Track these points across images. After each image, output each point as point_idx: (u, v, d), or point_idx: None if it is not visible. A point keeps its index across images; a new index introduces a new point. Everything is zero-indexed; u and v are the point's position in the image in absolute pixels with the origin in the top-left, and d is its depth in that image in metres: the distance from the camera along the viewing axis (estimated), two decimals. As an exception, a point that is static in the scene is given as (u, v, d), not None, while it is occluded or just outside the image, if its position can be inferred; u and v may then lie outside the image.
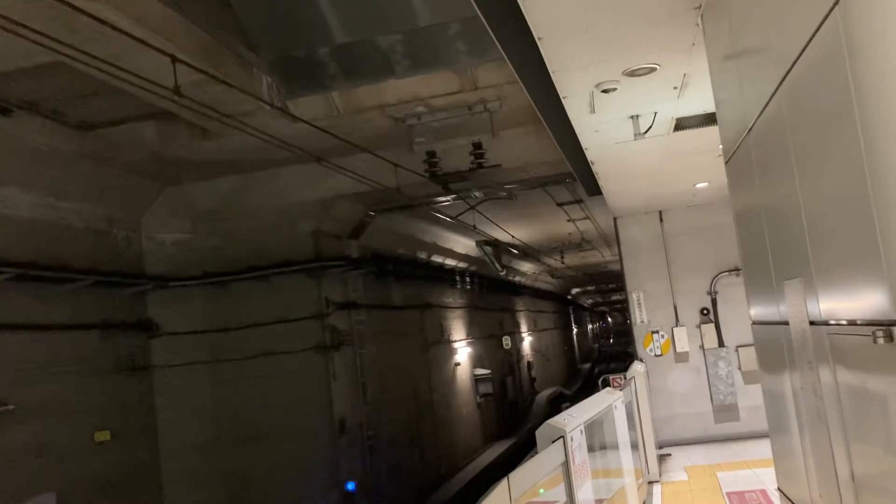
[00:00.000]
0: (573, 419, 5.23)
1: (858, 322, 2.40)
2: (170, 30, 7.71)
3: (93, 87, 8.79)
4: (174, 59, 7.03)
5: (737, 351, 11.42)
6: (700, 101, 6.26)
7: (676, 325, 11.74)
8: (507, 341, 28.26)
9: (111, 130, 10.61)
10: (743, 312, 7.15)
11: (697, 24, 4.61)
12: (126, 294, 12.67)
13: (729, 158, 4.35)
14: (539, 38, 4.58)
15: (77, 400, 11.18)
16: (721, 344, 11.55)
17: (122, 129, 10.61)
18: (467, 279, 23.88)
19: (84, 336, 11.54)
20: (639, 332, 11.93)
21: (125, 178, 12.04)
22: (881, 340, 2.12)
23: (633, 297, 12.07)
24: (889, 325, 2.10)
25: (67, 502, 10.58)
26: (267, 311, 13.65)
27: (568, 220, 19.74)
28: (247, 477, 13.35)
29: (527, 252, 25.13)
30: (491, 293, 26.86)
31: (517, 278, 31.50)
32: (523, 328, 33.18)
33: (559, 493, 4.71)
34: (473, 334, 24.08)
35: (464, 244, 22.07)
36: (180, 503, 12.91)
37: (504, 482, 3.50)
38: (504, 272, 25.96)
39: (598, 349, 72.43)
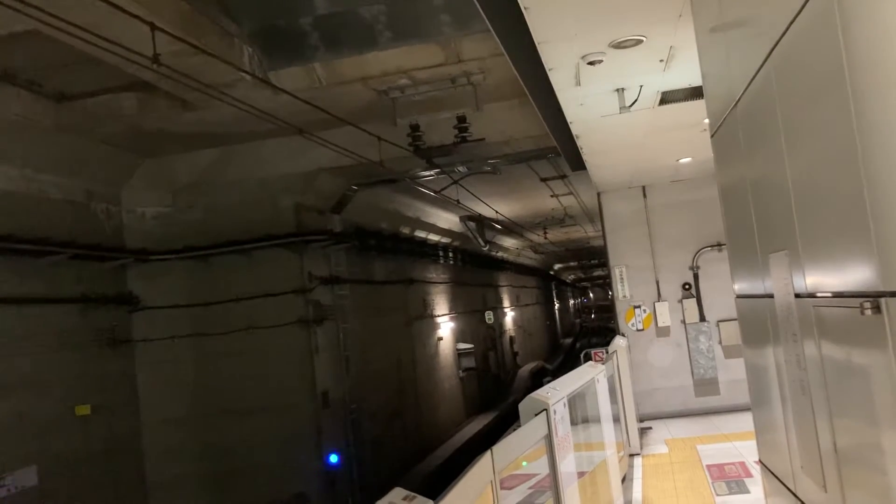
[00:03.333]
0: (556, 392, 5.24)
1: (845, 294, 2.39)
2: (148, -3, 7.55)
3: (70, 57, 8.61)
4: (153, 28, 6.89)
5: (717, 325, 11.51)
6: (686, 74, 6.22)
7: (658, 300, 11.80)
8: (489, 316, 28.36)
9: (89, 101, 10.42)
10: (724, 287, 7.17)
11: (685, -4, 4.56)
12: (106, 268, 12.54)
13: (715, 132, 4.32)
14: (525, 8, 4.51)
15: (57, 374, 11.10)
16: (702, 318, 11.63)
17: (101, 99, 10.41)
18: (450, 254, 23.88)
19: (64, 310, 11.43)
20: (621, 307, 11.99)
21: (104, 150, 11.87)
22: (868, 312, 2.11)
23: (616, 272, 12.11)
24: (877, 296, 2.09)
25: (48, 476, 10.54)
26: (249, 286, 13.58)
27: (551, 196, 19.73)
28: (229, 450, 13.35)
29: (510, 227, 25.13)
30: (474, 268, 26.90)
31: (500, 253, 31.54)
32: (506, 303, 33.30)
33: (542, 465, 4.73)
34: (456, 309, 24.13)
35: (447, 219, 22.03)
36: (162, 477, 12.90)
37: (487, 455, 3.50)
38: (487, 247, 25.98)
39: (580, 324, 72.89)
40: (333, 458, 13.72)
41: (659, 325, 11.74)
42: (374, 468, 15.14)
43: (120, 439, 12.32)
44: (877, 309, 2.09)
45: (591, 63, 5.59)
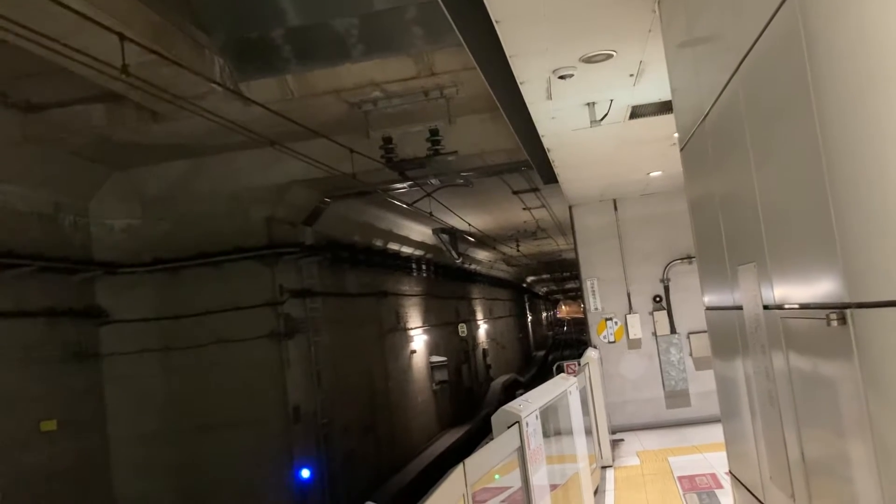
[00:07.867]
0: (528, 405, 5.25)
1: (812, 306, 2.42)
2: (118, 7, 7.49)
3: (37, 67, 8.50)
4: (122, 38, 6.83)
5: (688, 338, 11.61)
6: (655, 88, 6.30)
7: (630, 313, 11.88)
8: (462, 329, 28.35)
9: (57, 112, 10.30)
10: (694, 300, 7.24)
11: (654, 11, 4.62)
12: (74, 281, 12.36)
13: (684, 146, 4.37)
14: (497, 22, 4.54)
15: (22, 389, 10.89)
16: (673, 331, 11.72)
17: (69, 110, 10.30)
18: (423, 267, 23.86)
19: (29, 323, 11.23)
20: (593, 319, 12.05)
21: (72, 162, 11.72)
22: (835, 323, 2.14)
23: (588, 285, 12.17)
24: (842, 307, 2.12)
25: (12, 494, 10.32)
26: (219, 299, 13.45)
27: (524, 209, 19.82)
28: (199, 466, 13.17)
29: (483, 240, 25.19)
30: (447, 281, 26.89)
31: (473, 266, 31.58)
32: (479, 316, 33.31)
33: (514, 478, 4.72)
34: (429, 322, 24.10)
35: (420, 231, 22.03)
36: (129, 493, 12.69)
37: (460, 468, 3.48)
38: (460, 260, 25.99)
39: (553, 336, 73.11)
40: (305, 473, 13.59)
41: (630, 337, 11.81)
42: (346, 483, 15.02)
43: (87, 455, 12.11)
44: (842, 320, 2.12)
45: (562, 77, 5.64)
